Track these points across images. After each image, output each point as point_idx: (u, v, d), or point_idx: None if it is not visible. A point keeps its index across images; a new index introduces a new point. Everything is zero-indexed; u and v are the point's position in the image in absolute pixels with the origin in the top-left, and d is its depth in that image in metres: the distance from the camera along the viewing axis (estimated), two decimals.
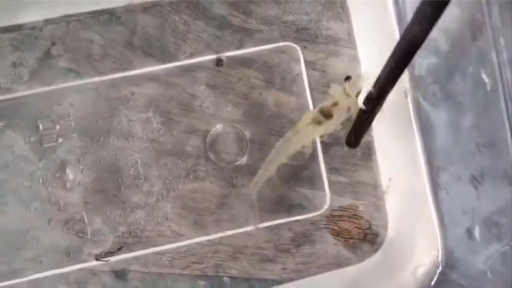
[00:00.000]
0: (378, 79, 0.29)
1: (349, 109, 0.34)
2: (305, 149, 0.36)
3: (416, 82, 0.32)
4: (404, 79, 0.32)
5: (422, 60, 0.31)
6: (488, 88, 0.26)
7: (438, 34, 0.29)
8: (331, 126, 0.34)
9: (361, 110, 0.33)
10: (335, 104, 0.34)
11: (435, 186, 0.32)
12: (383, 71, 0.28)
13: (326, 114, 0.34)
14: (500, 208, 0.27)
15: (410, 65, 0.33)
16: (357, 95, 0.34)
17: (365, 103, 0.31)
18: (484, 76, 0.26)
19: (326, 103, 0.34)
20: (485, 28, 0.25)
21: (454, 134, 0.30)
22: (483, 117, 0.27)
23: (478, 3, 0.23)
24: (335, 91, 0.34)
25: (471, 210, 0.30)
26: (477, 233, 0.30)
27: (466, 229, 0.30)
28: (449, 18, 0.27)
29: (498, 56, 0.25)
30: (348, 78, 0.34)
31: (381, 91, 0.29)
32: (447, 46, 0.29)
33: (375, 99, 0.30)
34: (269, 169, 0.36)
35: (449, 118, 0.30)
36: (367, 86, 0.32)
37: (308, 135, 0.35)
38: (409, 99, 0.33)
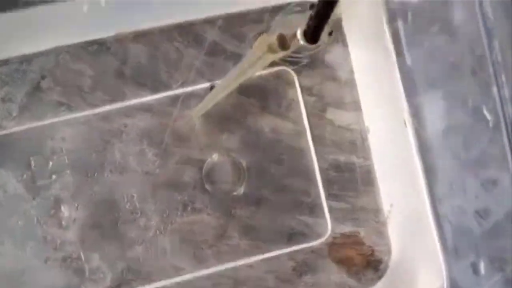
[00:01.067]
0: None
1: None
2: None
3: (415, 113, 0.31)
4: (404, 108, 0.32)
5: (422, 92, 0.30)
6: (491, 124, 0.26)
7: (438, 67, 0.29)
8: (284, 55, 0.33)
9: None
10: (295, 34, 0.32)
11: (438, 216, 0.32)
12: None
13: (284, 44, 0.32)
14: (506, 245, 0.27)
15: (408, 93, 0.33)
16: (329, 33, 0.32)
17: None
18: (485, 112, 0.26)
19: (288, 33, 0.32)
20: (486, 63, 0.24)
21: (456, 168, 0.30)
22: (486, 153, 0.27)
23: (478, 38, 0.22)
24: (296, 21, 0.32)
25: (475, 245, 0.29)
26: (482, 267, 0.30)
27: (471, 263, 0.30)
28: (449, 51, 0.26)
29: (499, 92, 0.24)
30: (312, 6, 0.31)
31: None
32: (448, 80, 0.29)
33: None
34: (218, 96, 0.35)
35: (451, 152, 0.30)
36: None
37: (261, 64, 0.33)
38: (409, 128, 0.32)
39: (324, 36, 0.29)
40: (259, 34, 0.36)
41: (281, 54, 0.32)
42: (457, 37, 0.27)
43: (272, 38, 0.32)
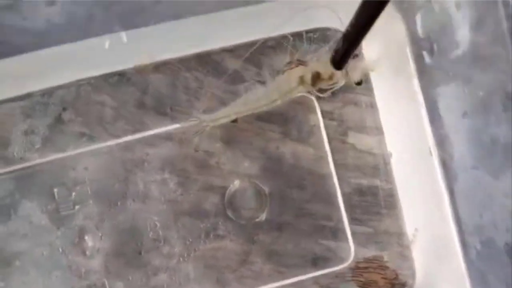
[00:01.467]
0: None
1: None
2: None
3: (441, 142, 0.31)
4: (428, 137, 0.32)
5: (448, 121, 0.30)
6: None
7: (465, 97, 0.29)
8: (309, 89, 0.33)
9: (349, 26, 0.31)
10: (331, 76, 0.32)
11: (465, 244, 0.32)
12: None
13: (316, 80, 0.32)
14: None
15: (434, 123, 0.33)
16: (358, 83, 0.33)
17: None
18: None
19: (324, 72, 0.33)
20: None
21: (485, 199, 0.30)
22: None
23: (508, 70, 0.22)
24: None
25: (505, 277, 0.29)
26: None
27: None
28: (480, 87, 0.26)
29: None
30: (354, 56, 0.32)
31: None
32: (476, 113, 0.29)
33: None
34: (235, 112, 0.35)
35: (479, 183, 0.30)
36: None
37: (290, 94, 0.33)
38: (434, 157, 0.32)
39: (355, 75, 0.30)
40: (289, 63, 0.36)
41: (311, 88, 0.32)
42: (486, 70, 0.26)
43: (307, 72, 0.32)
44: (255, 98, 0.35)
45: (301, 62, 0.34)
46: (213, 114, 0.36)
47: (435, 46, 0.31)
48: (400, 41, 0.35)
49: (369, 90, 0.39)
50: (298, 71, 0.34)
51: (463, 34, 0.29)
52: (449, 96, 0.30)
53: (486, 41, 0.26)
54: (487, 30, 0.27)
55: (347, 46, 0.31)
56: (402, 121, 0.36)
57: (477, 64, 0.27)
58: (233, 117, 0.36)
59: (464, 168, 0.30)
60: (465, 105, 0.29)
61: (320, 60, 0.34)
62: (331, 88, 0.35)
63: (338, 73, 0.32)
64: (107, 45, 0.35)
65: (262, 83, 0.37)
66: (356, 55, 0.32)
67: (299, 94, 0.38)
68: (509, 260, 0.28)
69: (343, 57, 0.33)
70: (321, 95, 0.35)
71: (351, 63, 0.32)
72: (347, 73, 0.33)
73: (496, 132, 0.26)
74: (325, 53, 0.34)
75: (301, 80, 0.33)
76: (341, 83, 0.34)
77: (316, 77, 0.33)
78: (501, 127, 0.26)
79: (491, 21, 0.26)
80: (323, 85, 0.33)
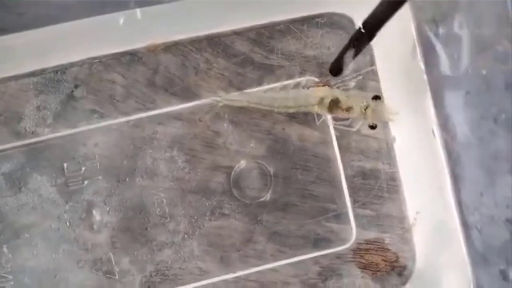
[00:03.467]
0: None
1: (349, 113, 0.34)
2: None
3: (444, 123, 0.31)
4: (432, 118, 0.32)
5: (451, 99, 0.31)
6: None
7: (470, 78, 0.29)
8: (323, 113, 0.34)
9: (354, 36, 0.33)
10: (349, 109, 0.33)
11: (466, 224, 0.32)
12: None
13: (333, 107, 0.33)
14: None
15: (438, 103, 0.33)
16: (371, 126, 0.33)
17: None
18: None
19: (344, 102, 0.33)
20: None
21: (487, 178, 0.30)
22: None
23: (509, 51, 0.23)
24: (356, 99, 0.34)
25: (505, 253, 0.29)
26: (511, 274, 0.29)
27: (500, 271, 0.30)
28: (482, 63, 0.27)
29: None
30: (376, 97, 0.33)
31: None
32: (479, 92, 0.29)
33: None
34: (248, 101, 0.36)
35: (482, 162, 0.30)
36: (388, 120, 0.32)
37: (304, 104, 0.34)
38: (437, 138, 0.33)
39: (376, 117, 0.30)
40: (317, 82, 0.37)
41: (326, 112, 0.33)
42: (488, 51, 0.27)
43: (328, 96, 0.33)
44: (272, 97, 0.36)
45: (328, 84, 0.35)
46: (228, 94, 0.36)
47: (440, 30, 0.32)
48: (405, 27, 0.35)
49: (375, 75, 0.40)
50: (321, 91, 0.35)
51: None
52: (452, 76, 0.31)
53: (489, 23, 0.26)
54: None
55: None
56: (406, 105, 0.36)
57: (479, 44, 0.27)
58: (245, 104, 0.37)
59: (466, 148, 0.31)
60: (468, 85, 0.29)
61: (346, 89, 0.35)
62: (344, 119, 0.36)
63: (357, 109, 0.33)
64: (121, 21, 0.36)
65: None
66: (378, 97, 0.33)
67: (303, 77, 0.39)
68: (509, 235, 0.29)
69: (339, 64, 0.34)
70: (335, 122, 0.36)
71: (372, 105, 0.32)
72: (365, 112, 0.33)
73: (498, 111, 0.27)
74: (353, 86, 0.35)
75: (320, 101, 0.34)
76: (355, 119, 0.35)
77: (335, 104, 0.33)
78: (503, 106, 0.26)
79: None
80: (338, 113, 0.34)
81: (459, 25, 0.29)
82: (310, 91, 0.35)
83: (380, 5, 0.29)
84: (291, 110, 0.36)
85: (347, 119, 0.35)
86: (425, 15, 0.33)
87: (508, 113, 0.27)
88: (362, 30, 0.31)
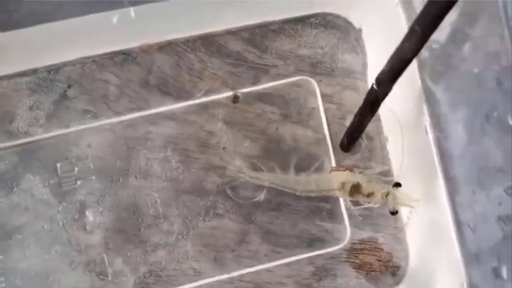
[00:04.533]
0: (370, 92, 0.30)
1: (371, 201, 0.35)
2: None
3: (437, 121, 0.31)
4: (425, 116, 0.32)
5: (444, 98, 0.31)
6: None
7: (461, 76, 0.29)
8: (344, 197, 0.35)
9: (358, 112, 0.33)
10: (370, 194, 0.33)
11: (459, 222, 0.32)
12: (378, 83, 0.30)
13: (354, 192, 0.34)
14: None
15: (430, 102, 0.33)
16: (392, 212, 0.34)
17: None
18: (511, 121, 0.26)
19: (365, 188, 0.34)
20: (510, 74, 0.25)
21: (479, 175, 0.30)
22: (510, 161, 0.27)
23: (504, 49, 0.23)
24: (377, 185, 0.35)
25: (497, 250, 0.29)
26: (504, 273, 0.30)
27: (492, 268, 0.30)
28: (474, 62, 0.27)
29: None
30: (397, 185, 0.33)
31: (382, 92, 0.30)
32: (472, 88, 0.29)
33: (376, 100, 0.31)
34: (270, 181, 0.37)
35: (474, 160, 0.30)
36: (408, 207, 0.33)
37: (325, 189, 0.35)
38: (430, 136, 0.33)
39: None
40: (339, 166, 0.37)
41: (347, 197, 0.34)
42: (481, 48, 0.27)
43: (350, 181, 0.34)
44: (294, 180, 0.37)
45: (349, 169, 0.35)
46: (253, 172, 0.37)
47: None
48: (397, 25, 0.35)
49: (367, 76, 0.40)
50: (343, 175, 0.35)
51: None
52: (445, 75, 0.31)
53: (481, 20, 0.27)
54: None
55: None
56: (399, 105, 0.36)
57: (471, 42, 0.28)
58: (266, 183, 0.37)
59: (458, 146, 0.31)
60: (460, 83, 0.29)
61: (367, 175, 0.35)
62: (364, 204, 0.37)
63: (378, 195, 0.33)
64: (115, 20, 0.35)
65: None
66: (399, 185, 0.34)
67: (298, 77, 0.39)
68: (501, 233, 0.29)
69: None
70: (353, 207, 0.37)
71: (393, 191, 0.33)
72: (386, 198, 0.34)
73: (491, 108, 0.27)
74: (373, 172, 0.36)
75: (342, 186, 0.34)
76: (376, 205, 0.35)
77: (356, 189, 0.34)
78: (495, 104, 0.27)
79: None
80: (359, 198, 0.35)
81: (449, 23, 0.29)
82: (332, 175, 0.36)
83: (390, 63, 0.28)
84: (313, 194, 0.36)
85: (364, 204, 0.36)
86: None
87: (500, 112, 0.27)
88: (375, 87, 0.30)
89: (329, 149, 0.40)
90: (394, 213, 0.35)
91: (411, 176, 0.36)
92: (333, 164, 0.39)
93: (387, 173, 0.38)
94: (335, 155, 0.40)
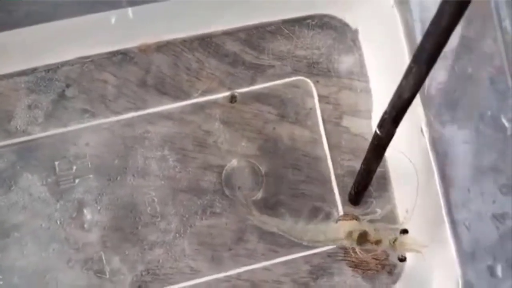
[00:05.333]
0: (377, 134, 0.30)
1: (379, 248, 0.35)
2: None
3: (432, 121, 0.32)
4: (421, 117, 0.33)
5: (439, 98, 0.31)
6: (509, 132, 0.26)
7: (456, 76, 0.29)
8: (352, 246, 0.35)
9: (364, 159, 0.33)
10: (378, 242, 0.34)
11: (454, 221, 0.32)
12: (381, 126, 0.29)
13: (362, 241, 0.34)
14: None
15: (426, 102, 0.34)
16: (401, 259, 0.34)
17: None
18: (504, 121, 0.26)
19: (372, 235, 0.34)
20: (503, 73, 0.25)
21: (473, 173, 0.31)
22: (504, 160, 0.28)
23: (497, 49, 0.23)
24: (384, 232, 0.35)
25: (492, 248, 0.30)
26: (499, 271, 0.30)
27: (487, 266, 0.30)
28: (468, 62, 0.27)
29: None
30: (405, 231, 0.34)
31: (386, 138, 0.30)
32: (466, 89, 0.30)
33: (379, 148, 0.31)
34: (278, 227, 0.37)
35: (468, 159, 0.31)
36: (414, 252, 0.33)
37: (333, 239, 0.36)
38: (426, 136, 0.33)
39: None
40: (345, 215, 0.37)
41: (355, 245, 0.34)
42: (475, 49, 0.27)
43: (357, 230, 0.34)
44: (302, 230, 0.37)
45: (356, 218, 0.36)
46: (262, 216, 0.37)
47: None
48: (393, 25, 0.36)
49: (364, 76, 0.40)
50: (349, 225, 0.35)
51: None
52: (440, 75, 0.31)
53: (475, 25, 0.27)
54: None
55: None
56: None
57: (465, 42, 0.28)
58: (274, 229, 0.37)
59: (453, 145, 0.31)
60: (455, 84, 0.30)
61: (374, 222, 0.36)
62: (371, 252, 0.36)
63: (385, 242, 0.34)
64: (113, 20, 0.36)
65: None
66: (406, 231, 0.34)
67: (295, 78, 0.40)
68: (496, 231, 0.29)
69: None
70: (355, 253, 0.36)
71: (400, 238, 0.33)
72: (394, 245, 0.34)
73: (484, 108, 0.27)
74: (381, 220, 0.36)
75: (349, 235, 0.35)
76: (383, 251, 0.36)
77: (363, 237, 0.34)
78: (489, 103, 0.27)
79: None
80: (367, 246, 0.35)
81: None
82: (339, 224, 0.36)
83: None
84: (320, 245, 0.37)
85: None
86: (414, 15, 0.33)
87: (493, 111, 0.27)
88: (378, 133, 0.30)
89: (325, 148, 0.40)
90: (402, 259, 0.35)
91: (406, 175, 0.36)
92: (331, 168, 0.39)
93: (392, 216, 0.38)
94: (331, 154, 0.40)
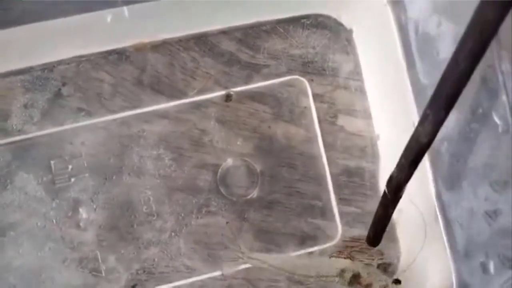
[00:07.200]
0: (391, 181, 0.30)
1: None
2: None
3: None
4: (414, 114, 0.33)
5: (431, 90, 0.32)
6: (500, 129, 0.27)
7: None
8: (343, 285, 0.35)
9: (380, 204, 0.33)
10: (368, 285, 0.34)
11: (447, 219, 0.33)
12: (397, 170, 0.29)
13: (353, 282, 0.34)
14: None
15: (419, 99, 0.34)
16: (396, 281, 0.34)
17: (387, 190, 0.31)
18: (495, 118, 0.27)
19: (364, 278, 0.35)
20: (495, 71, 0.25)
21: (465, 170, 0.31)
22: (495, 156, 0.28)
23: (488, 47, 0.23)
24: (377, 276, 0.35)
25: (485, 245, 0.30)
26: (491, 267, 0.30)
27: (480, 263, 0.31)
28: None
29: (509, 98, 0.25)
30: (397, 281, 0.34)
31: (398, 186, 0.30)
32: None
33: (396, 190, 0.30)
34: (269, 264, 0.37)
35: (459, 156, 0.31)
36: None
37: (324, 275, 0.36)
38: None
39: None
40: (340, 252, 0.37)
41: (346, 285, 0.34)
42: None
43: (350, 269, 0.34)
44: (293, 264, 0.37)
45: (351, 257, 0.36)
46: (252, 253, 0.37)
47: (420, 29, 0.32)
48: (387, 25, 0.36)
49: (359, 75, 0.41)
50: (343, 262, 0.35)
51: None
52: (434, 74, 0.31)
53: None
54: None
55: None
56: (389, 103, 0.37)
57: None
58: (265, 266, 0.37)
59: (445, 142, 0.32)
60: None
61: (368, 264, 0.36)
62: None
63: (376, 286, 0.34)
64: (109, 19, 0.36)
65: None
66: (399, 282, 0.34)
67: (289, 77, 0.40)
68: (488, 228, 0.29)
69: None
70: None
71: (391, 286, 0.34)
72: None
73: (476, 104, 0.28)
74: (375, 263, 0.36)
75: (341, 273, 0.35)
76: None
77: (356, 279, 0.34)
78: (480, 100, 0.27)
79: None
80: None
81: (437, 23, 0.30)
82: (332, 261, 0.36)
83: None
84: (312, 280, 0.36)
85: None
86: (407, 14, 0.34)
87: (485, 108, 0.27)
88: (395, 175, 0.30)
89: (320, 147, 0.40)
90: (397, 282, 0.35)
91: None
92: (327, 167, 0.40)
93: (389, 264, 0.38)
94: (326, 152, 0.40)
